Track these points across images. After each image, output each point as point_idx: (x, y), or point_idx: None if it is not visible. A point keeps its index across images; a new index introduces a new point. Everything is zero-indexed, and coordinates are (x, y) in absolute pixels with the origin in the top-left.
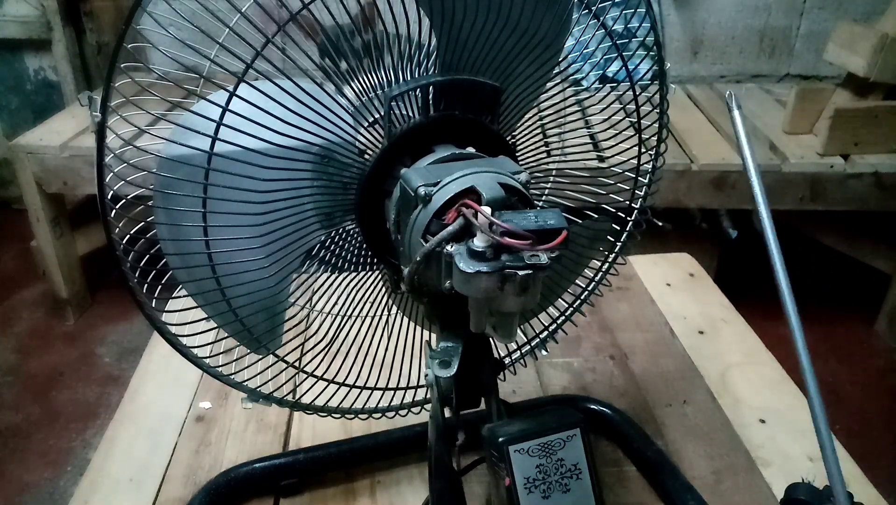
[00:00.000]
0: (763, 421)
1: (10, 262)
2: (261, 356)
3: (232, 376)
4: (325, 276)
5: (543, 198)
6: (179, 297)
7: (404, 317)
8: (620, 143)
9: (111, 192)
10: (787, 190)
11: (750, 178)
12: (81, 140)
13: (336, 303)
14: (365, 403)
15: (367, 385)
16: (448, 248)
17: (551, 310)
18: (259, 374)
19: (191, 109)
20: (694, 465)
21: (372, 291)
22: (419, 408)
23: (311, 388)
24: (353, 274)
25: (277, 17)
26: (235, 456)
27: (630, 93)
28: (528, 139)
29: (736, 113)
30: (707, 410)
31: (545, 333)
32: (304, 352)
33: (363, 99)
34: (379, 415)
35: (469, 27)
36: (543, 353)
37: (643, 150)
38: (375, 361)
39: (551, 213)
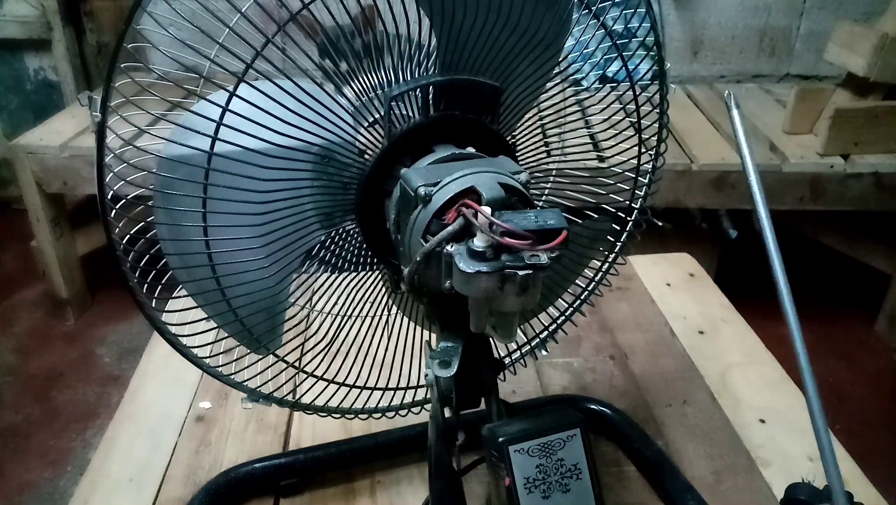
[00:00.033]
0: (763, 421)
1: (10, 262)
2: (261, 356)
3: (232, 376)
4: (325, 276)
5: (543, 198)
6: (179, 297)
7: (404, 317)
8: (620, 143)
9: (111, 192)
10: (787, 190)
11: (748, 177)
12: (81, 140)
13: (336, 303)
14: (365, 403)
15: (367, 385)
16: (448, 248)
17: (551, 310)
18: (259, 374)
19: (191, 109)
20: (694, 465)
21: (372, 291)
22: (419, 408)
23: (311, 388)
24: (353, 274)
25: (277, 17)
26: (235, 456)
27: (630, 93)
28: (528, 139)
29: (735, 113)
30: (707, 410)
31: (545, 333)
32: (304, 352)
33: (363, 99)
34: (379, 415)
35: (469, 27)
36: (543, 353)
37: (643, 150)
38: (375, 361)
39: (551, 213)
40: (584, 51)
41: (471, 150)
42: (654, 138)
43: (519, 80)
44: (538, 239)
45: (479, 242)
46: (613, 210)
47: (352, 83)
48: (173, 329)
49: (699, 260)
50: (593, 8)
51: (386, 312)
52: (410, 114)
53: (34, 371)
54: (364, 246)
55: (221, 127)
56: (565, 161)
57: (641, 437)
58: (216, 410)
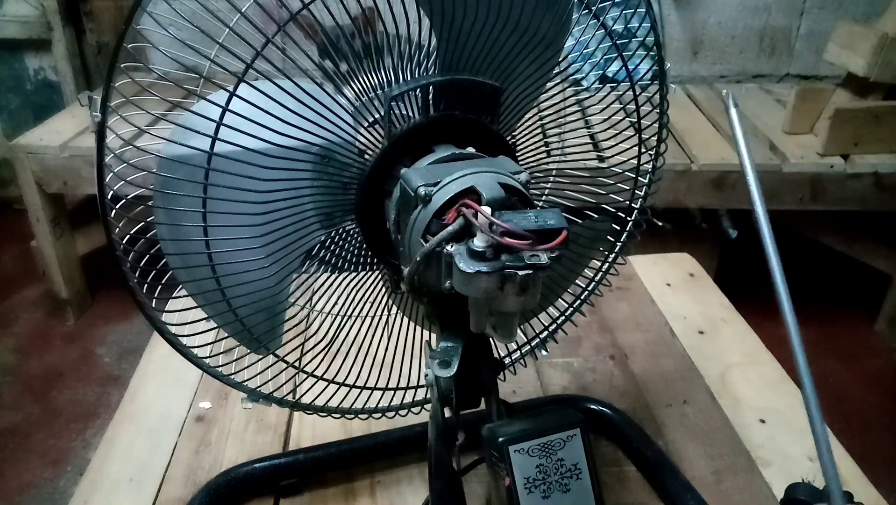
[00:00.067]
0: (763, 421)
1: (10, 262)
2: (261, 356)
3: (232, 376)
4: (325, 276)
5: (543, 198)
6: (179, 297)
7: (404, 317)
8: (620, 143)
9: (111, 192)
10: (787, 190)
11: (746, 175)
12: (81, 140)
13: (336, 303)
14: (365, 403)
15: (367, 385)
16: (448, 248)
17: (551, 310)
18: (259, 374)
19: (191, 109)
20: (694, 465)
21: (372, 291)
22: (419, 408)
23: (311, 388)
24: (353, 274)
25: (277, 17)
26: (235, 456)
27: (630, 93)
28: (528, 139)
29: (733, 111)
30: (707, 410)
31: (545, 333)
32: (304, 352)
33: (363, 99)
34: (379, 415)
35: (469, 27)
36: (543, 353)
37: (643, 150)
38: (375, 361)
39: (551, 213)
40: (584, 51)
41: (471, 150)
42: (654, 138)
43: (519, 80)
44: (538, 239)
45: (479, 242)
46: (613, 210)
47: (352, 83)
48: (173, 329)
49: (699, 260)
50: (593, 8)
51: (386, 312)
52: (410, 114)
53: (34, 371)
54: (364, 246)
55: (221, 127)
56: (565, 161)
57: (641, 437)
58: (216, 410)
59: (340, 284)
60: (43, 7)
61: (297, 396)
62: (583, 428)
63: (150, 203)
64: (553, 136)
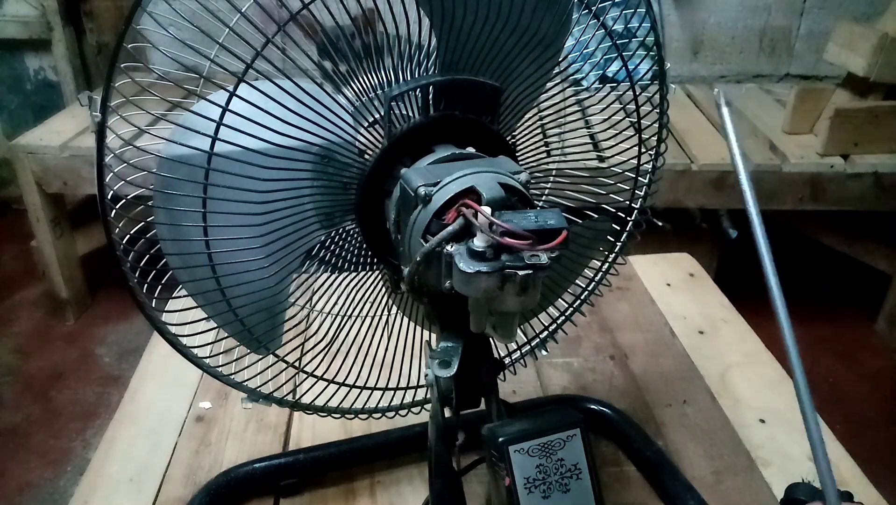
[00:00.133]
0: (763, 421)
1: (10, 262)
2: (261, 356)
3: (232, 376)
4: (325, 276)
5: (543, 198)
6: (179, 297)
7: (404, 317)
8: (620, 143)
9: (111, 192)
10: (787, 190)
11: (738, 174)
12: (81, 140)
13: (336, 303)
14: (365, 403)
15: (367, 385)
16: (448, 248)
17: (551, 310)
18: (259, 374)
19: (191, 109)
20: (694, 465)
21: (372, 291)
22: (419, 408)
23: (311, 388)
24: (353, 274)
25: (277, 17)
26: (235, 456)
27: (630, 93)
28: (528, 139)
29: (725, 110)
30: (707, 410)
31: (545, 333)
32: (304, 352)
33: (363, 99)
34: (379, 415)
35: (469, 27)
36: (543, 353)
37: (643, 150)
38: (375, 361)
39: (551, 213)
40: (584, 51)
41: (471, 150)
42: (654, 138)
43: (519, 80)
44: (538, 239)
45: (479, 242)
46: (613, 210)
47: (351, 84)
48: (173, 329)
49: (699, 260)
50: (593, 8)
51: (386, 312)
52: (410, 114)
53: (34, 371)
54: (364, 246)
55: (221, 127)
56: (565, 161)
57: (641, 437)
58: (216, 410)
59: (340, 284)
60: (43, 7)
61: (297, 396)
62: (583, 428)
63: (150, 203)
64: (553, 136)
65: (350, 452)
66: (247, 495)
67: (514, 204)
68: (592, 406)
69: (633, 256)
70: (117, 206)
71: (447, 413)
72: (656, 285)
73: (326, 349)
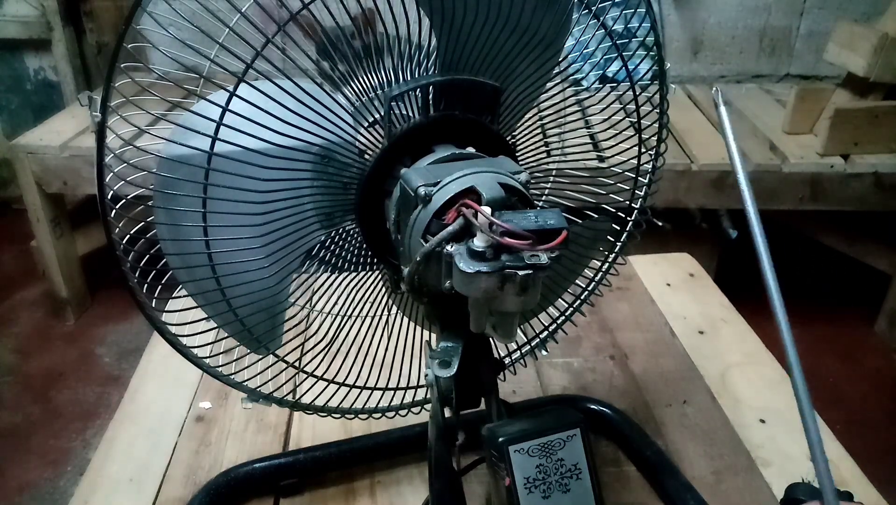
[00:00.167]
0: (763, 421)
1: (10, 262)
2: (261, 356)
3: (232, 376)
4: (325, 276)
5: (543, 198)
6: (179, 297)
7: (404, 317)
8: (620, 143)
9: (111, 192)
10: (787, 190)
11: (736, 173)
12: (81, 140)
13: (336, 303)
14: (365, 403)
15: (367, 385)
16: (448, 248)
17: (551, 310)
18: (259, 374)
19: (191, 109)
20: (694, 465)
21: (372, 291)
22: (419, 408)
23: (311, 388)
24: (353, 274)
25: (277, 17)
26: (235, 456)
27: (630, 93)
28: (528, 139)
29: (722, 109)
30: (707, 410)
31: (545, 333)
32: (304, 352)
33: (363, 99)
34: (379, 415)
35: (469, 27)
36: (543, 353)
37: (643, 150)
38: (375, 361)
39: (551, 213)
40: (584, 51)
41: (471, 150)
42: (654, 138)
43: (519, 80)
44: (538, 239)
45: (479, 242)
46: (613, 210)
47: (351, 83)
48: (173, 329)
49: (699, 260)
50: (593, 8)
51: (386, 312)
52: (410, 114)
53: (34, 371)
54: (364, 246)
55: (221, 127)
56: (565, 161)
57: (641, 437)
58: (216, 410)
59: (340, 284)
60: (43, 7)
61: (297, 396)
62: (583, 428)
63: (150, 203)
64: (553, 136)
65: (350, 452)
66: (247, 495)
67: (514, 204)
68: (592, 406)
69: (633, 256)
70: (117, 207)
71: (447, 413)
72: (656, 285)
73: (326, 349)
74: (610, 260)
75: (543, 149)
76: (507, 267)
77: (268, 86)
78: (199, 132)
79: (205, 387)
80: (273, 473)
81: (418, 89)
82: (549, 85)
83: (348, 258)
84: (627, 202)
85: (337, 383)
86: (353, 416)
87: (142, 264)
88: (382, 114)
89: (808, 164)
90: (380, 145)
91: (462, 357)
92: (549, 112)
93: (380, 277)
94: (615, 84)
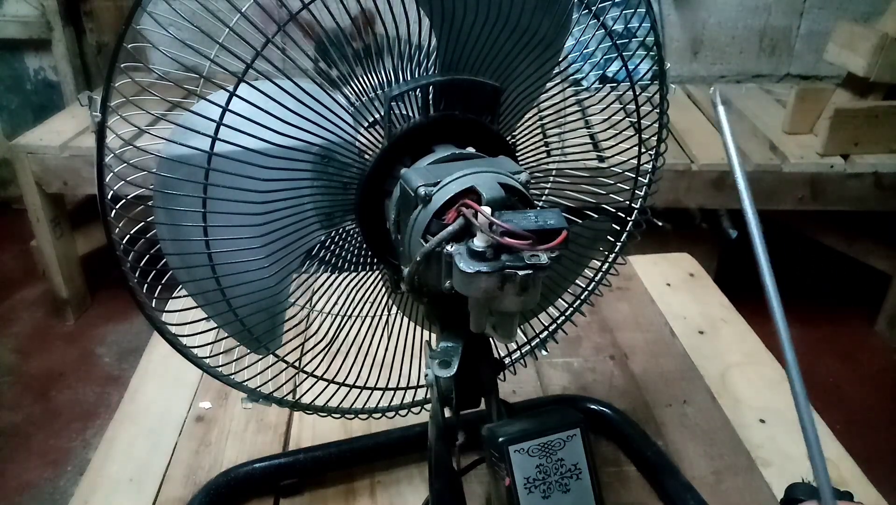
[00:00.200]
0: (763, 421)
1: (10, 262)
2: (261, 356)
3: (232, 376)
4: (325, 276)
5: (543, 198)
6: (179, 297)
7: (404, 317)
8: (620, 143)
9: (111, 192)
10: (787, 190)
11: (734, 172)
12: (81, 140)
13: (336, 303)
14: (365, 403)
15: (367, 385)
16: (448, 248)
17: (551, 310)
18: (259, 374)
19: (191, 109)
20: (694, 465)
21: (372, 291)
22: (419, 408)
23: (311, 388)
24: (353, 274)
25: (277, 17)
26: (235, 456)
27: (630, 93)
28: (528, 139)
29: (721, 109)
30: (707, 410)
31: (545, 333)
32: (304, 352)
33: (363, 99)
34: (379, 415)
35: (469, 27)
36: (543, 353)
37: (643, 150)
38: (375, 361)
39: (551, 213)
40: (584, 51)
41: (471, 150)
42: (654, 138)
43: (519, 80)
44: (538, 239)
45: (479, 242)
46: (613, 210)
47: (350, 84)
48: (173, 329)
49: (699, 260)
50: (593, 8)
51: (386, 312)
52: (410, 114)
53: (34, 371)
54: (364, 246)
55: (221, 127)
56: (565, 161)
57: (641, 437)
58: (216, 410)
59: (340, 284)
60: (43, 7)
61: (297, 396)
62: (583, 428)
63: (150, 203)
64: (553, 136)
65: (350, 452)
66: (247, 495)
67: (514, 204)
68: (592, 406)
69: (633, 256)
70: (117, 207)
71: (447, 413)
72: (656, 285)
73: (326, 349)
74: (610, 260)
75: (543, 149)
76: (507, 267)
77: (268, 86)
78: (199, 132)
79: (205, 387)
80: (273, 473)
81: (418, 89)
82: (549, 85)
83: (348, 258)
84: (627, 202)
85: (337, 383)
86: (353, 416)
87: (142, 264)
88: (382, 114)
89: (807, 164)
90: (380, 145)
91: (462, 357)
92: (549, 112)
93: (380, 276)
94: (615, 84)
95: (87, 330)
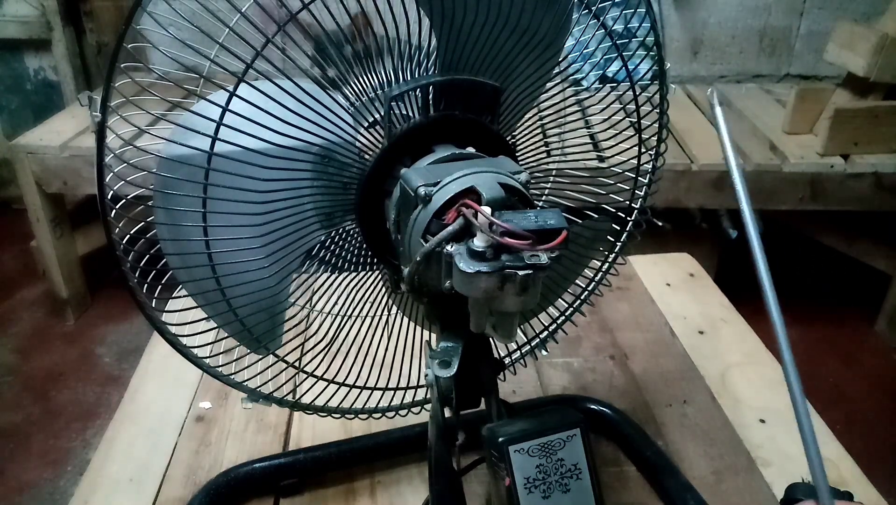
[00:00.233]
0: (763, 421)
1: (10, 262)
2: (261, 356)
3: (232, 376)
4: (325, 276)
5: (543, 198)
6: (179, 297)
7: (404, 317)
8: (620, 143)
9: (111, 192)
10: (787, 190)
11: (731, 174)
12: (81, 140)
13: (336, 303)
14: (365, 403)
15: (367, 385)
16: (448, 248)
17: (551, 310)
18: (259, 374)
19: (191, 109)
20: (694, 465)
21: (372, 291)
22: (419, 408)
23: (311, 388)
24: (353, 274)
25: (277, 17)
26: (235, 456)
27: (630, 93)
28: (528, 139)
29: (718, 110)
30: (707, 410)
31: (545, 333)
32: (304, 352)
33: (363, 99)
34: (379, 415)
35: (469, 27)
36: (543, 353)
37: (643, 150)
38: (375, 361)
39: (551, 213)
40: (584, 51)
41: (471, 150)
42: (654, 138)
43: (519, 80)
44: (538, 239)
45: (479, 242)
46: (613, 210)
47: (350, 84)
48: (173, 329)
49: (699, 260)
50: (593, 8)
51: (386, 312)
52: (410, 114)
53: (34, 371)
54: (364, 246)
55: (221, 127)
56: (565, 161)
57: (641, 437)
58: (216, 410)
59: (340, 284)
60: (43, 7)
61: (297, 396)
62: (583, 428)
63: (150, 203)
64: (553, 136)
65: (350, 452)
66: (247, 495)
67: (514, 204)
68: (592, 406)
69: (633, 256)
70: (117, 207)
71: (447, 413)
72: (656, 285)
73: (326, 349)
74: (610, 260)
75: (543, 149)
76: (507, 267)
77: (268, 86)
78: (199, 132)
79: (205, 387)
80: (273, 473)
81: (418, 89)
82: (549, 85)
83: (348, 258)
84: (627, 202)
85: (337, 383)
86: (353, 416)
87: (142, 264)
88: (382, 114)
89: (808, 164)
90: (380, 145)
91: (462, 357)
92: (549, 112)
93: (380, 276)
94: (615, 84)
95: (87, 330)
